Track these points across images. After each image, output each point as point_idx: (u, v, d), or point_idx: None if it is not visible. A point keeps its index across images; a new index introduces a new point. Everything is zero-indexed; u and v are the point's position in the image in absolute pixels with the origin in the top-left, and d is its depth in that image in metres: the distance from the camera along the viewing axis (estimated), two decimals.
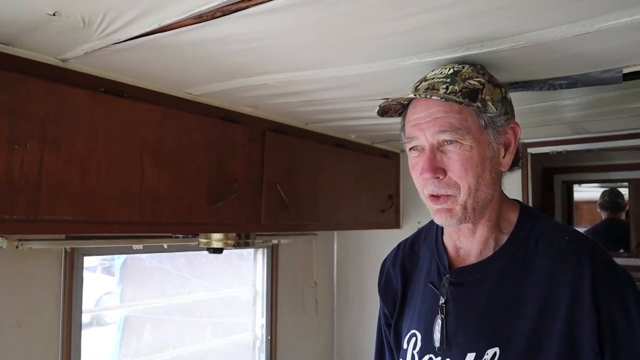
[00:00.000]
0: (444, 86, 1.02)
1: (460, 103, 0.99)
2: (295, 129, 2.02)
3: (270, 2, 0.90)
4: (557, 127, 2.10)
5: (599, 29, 0.95)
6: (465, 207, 1.02)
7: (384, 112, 1.12)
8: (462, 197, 1.01)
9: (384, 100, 1.07)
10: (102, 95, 1.35)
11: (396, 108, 1.10)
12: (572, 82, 1.27)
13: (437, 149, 1.01)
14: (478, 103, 1.00)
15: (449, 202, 1.02)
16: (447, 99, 0.99)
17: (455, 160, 1.00)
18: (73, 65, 1.30)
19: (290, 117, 1.94)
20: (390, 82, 1.37)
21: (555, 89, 1.32)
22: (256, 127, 1.83)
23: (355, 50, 1.15)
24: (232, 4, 0.91)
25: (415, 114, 1.04)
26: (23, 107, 1.19)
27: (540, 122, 1.95)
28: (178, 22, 0.99)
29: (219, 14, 0.95)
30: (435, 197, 1.03)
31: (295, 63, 1.25)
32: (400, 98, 1.05)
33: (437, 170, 1.00)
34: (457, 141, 0.99)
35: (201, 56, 1.22)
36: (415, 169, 1.05)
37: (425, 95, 1.00)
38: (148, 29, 1.03)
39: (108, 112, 1.36)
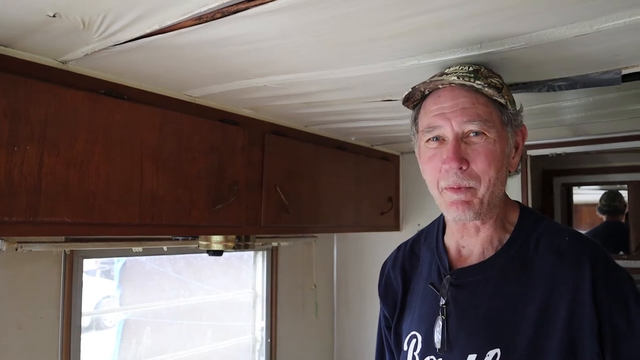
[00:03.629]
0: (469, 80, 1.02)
1: (493, 95, 1.00)
2: (295, 131, 2.02)
3: (270, 4, 0.90)
4: (557, 129, 2.10)
5: (598, 30, 0.96)
6: (482, 202, 1.01)
7: (407, 99, 1.11)
8: (482, 190, 1.00)
9: (423, 82, 1.06)
10: (101, 97, 1.35)
11: (416, 97, 1.10)
12: (572, 84, 1.27)
13: (461, 140, 1.01)
14: (502, 99, 1.02)
15: (469, 194, 1.01)
16: (489, 86, 1.00)
17: (480, 152, 0.99)
18: (73, 67, 1.30)
19: (290, 120, 1.94)
20: (390, 83, 1.37)
21: (555, 91, 1.32)
22: (256, 130, 1.83)
23: (355, 52, 1.15)
24: (232, 5, 0.91)
25: (440, 103, 1.03)
26: (23, 109, 1.19)
27: (539, 124, 1.95)
28: (178, 23, 0.99)
29: (218, 15, 0.95)
30: (453, 187, 1.01)
31: (294, 65, 1.25)
32: (439, 81, 1.04)
33: (462, 160, 0.99)
34: (483, 133, 0.99)
35: (201, 58, 1.22)
36: (434, 160, 1.04)
37: (469, 80, 1.00)
38: (148, 31, 1.04)
39: (108, 114, 1.36)
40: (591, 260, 0.98)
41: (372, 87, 1.43)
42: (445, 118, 1.02)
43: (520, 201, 2.17)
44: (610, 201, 3.67)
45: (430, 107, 1.05)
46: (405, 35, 1.04)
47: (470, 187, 1.00)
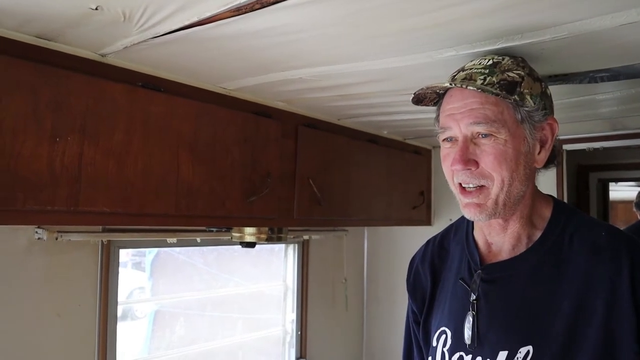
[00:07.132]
0: (482, 77, 1.00)
1: (497, 95, 0.97)
2: (327, 124, 2.02)
3: None
4: (594, 123, 2.05)
5: None
6: (496, 202, 0.99)
7: (418, 100, 1.10)
8: (494, 190, 0.99)
9: (420, 88, 1.06)
10: (139, 89, 1.37)
11: (431, 97, 1.09)
12: (614, 75, 1.24)
13: (471, 141, 0.99)
14: (515, 96, 0.98)
15: (481, 196, 1.00)
16: (483, 90, 0.97)
17: (488, 154, 0.98)
18: (112, 60, 1.33)
19: (323, 112, 1.94)
20: (426, 75, 1.35)
21: (597, 82, 1.29)
22: (289, 122, 1.83)
23: (392, 42, 1.14)
24: None
25: (451, 103, 1.02)
26: (65, 102, 1.21)
27: (576, 118, 1.91)
28: (217, 15, 1.00)
29: (257, 6, 0.95)
30: (465, 190, 1.01)
31: (331, 56, 1.25)
32: (436, 87, 1.03)
33: (469, 162, 0.98)
34: (491, 134, 0.97)
35: (237, 50, 1.23)
36: (447, 160, 1.04)
37: (462, 85, 0.99)
38: (187, 22, 1.04)
39: (145, 106, 1.38)
40: (630, 256, 0.95)
41: (408, 79, 1.41)
42: (454, 119, 1.00)
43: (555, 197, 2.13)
44: None
45: (444, 107, 1.05)
46: (445, 25, 1.03)
47: (482, 186, 0.99)
